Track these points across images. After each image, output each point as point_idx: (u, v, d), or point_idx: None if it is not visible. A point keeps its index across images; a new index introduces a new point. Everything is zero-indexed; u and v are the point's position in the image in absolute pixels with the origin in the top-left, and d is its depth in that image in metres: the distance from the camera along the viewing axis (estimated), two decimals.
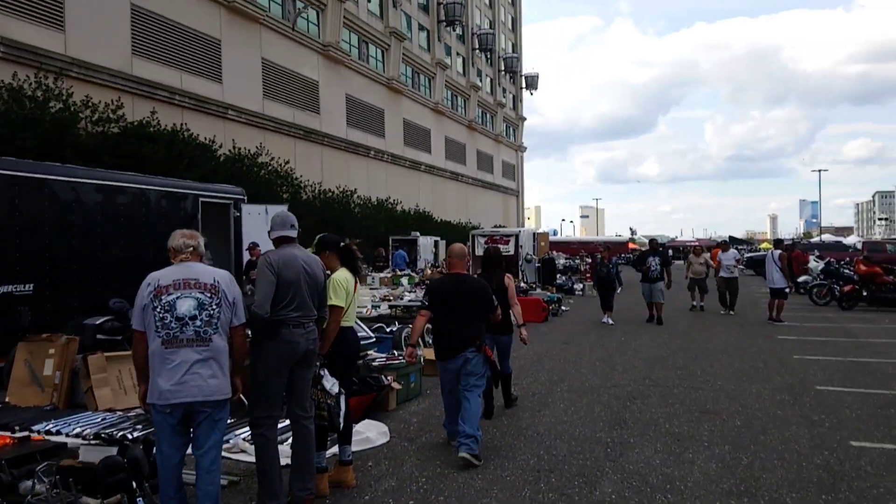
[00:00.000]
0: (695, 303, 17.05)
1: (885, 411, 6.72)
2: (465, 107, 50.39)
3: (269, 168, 24.54)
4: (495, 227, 37.33)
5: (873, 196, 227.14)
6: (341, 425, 4.67)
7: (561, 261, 36.19)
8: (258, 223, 12.07)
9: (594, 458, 5.37)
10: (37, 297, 7.98)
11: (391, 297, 11.49)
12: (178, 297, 3.65)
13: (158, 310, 3.63)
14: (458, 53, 49.30)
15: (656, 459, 5.32)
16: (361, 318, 9.39)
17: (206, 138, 21.73)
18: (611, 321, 14.26)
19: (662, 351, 10.68)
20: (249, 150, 23.83)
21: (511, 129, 63.25)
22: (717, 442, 5.73)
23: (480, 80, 53.72)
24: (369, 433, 5.61)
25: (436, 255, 29.70)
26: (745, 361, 9.65)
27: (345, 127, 33.08)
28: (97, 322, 7.66)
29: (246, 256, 11.88)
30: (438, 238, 31.00)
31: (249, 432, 4.67)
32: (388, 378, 6.82)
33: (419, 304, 10.80)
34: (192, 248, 3.83)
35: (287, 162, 26.02)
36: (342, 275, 4.77)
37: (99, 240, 8.98)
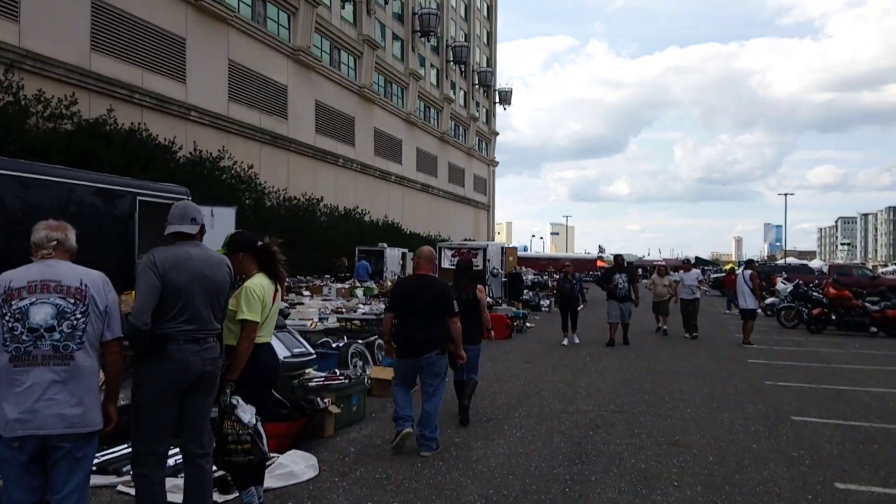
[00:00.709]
0: (659, 325, 16.02)
1: (868, 447, 6.19)
2: (437, 118, 49.94)
3: (232, 172, 23.74)
4: (464, 240, 36.82)
5: (836, 221, 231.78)
6: (268, 454, 4.02)
7: (529, 276, 35.87)
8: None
9: (550, 499, 4.73)
10: None
11: (344, 310, 10.73)
12: (31, 303, 2.94)
13: (7, 318, 2.91)
14: (432, 65, 48.90)
15: (620, 501, 4.70)
16: (304, 332, 8.68)
17: (166, 139, 20.91)
18: (577, 339, 13.59)
19: (628, 373, 10.12)
20: (211, 154, 23.01)
21: (483, 143, 63.01)
22: (688, 481, 5.12)
23: (454, 93, 53.39)
24: (294, 466, 4.85)
25: (403, 266, 28.96)
26: (715, 387, 9.12)
27: (313, 133, 32.33)
28: None
29: None
30: (406, 250, 30.32)
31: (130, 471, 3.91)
32: (325, 401, 6.08)
33: (373, 317, 10.19)
34: (55, 242, 3.12)
35: (251, 167, 25.20)
36: (258, 282, 4.05)
37: (6, 241, 8.03)
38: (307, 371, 6.52)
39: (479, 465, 5.44)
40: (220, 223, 11.29)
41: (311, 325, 9.10)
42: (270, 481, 4.50)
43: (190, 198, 11.74)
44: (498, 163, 66.89)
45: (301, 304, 10.96)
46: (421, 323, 5.69)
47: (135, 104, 21.60)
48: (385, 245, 28.26)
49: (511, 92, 62.49)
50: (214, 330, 3.63)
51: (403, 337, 5.80)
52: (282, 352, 6.14)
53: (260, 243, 4.24)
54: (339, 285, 16.23)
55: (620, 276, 13.61)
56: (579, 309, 14.49)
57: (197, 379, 3.53)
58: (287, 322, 8.74)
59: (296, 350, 6.39)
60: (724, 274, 34.63)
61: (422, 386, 5.83)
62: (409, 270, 29.91)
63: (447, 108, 50.92)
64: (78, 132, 17.74)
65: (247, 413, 3.78)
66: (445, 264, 21.71)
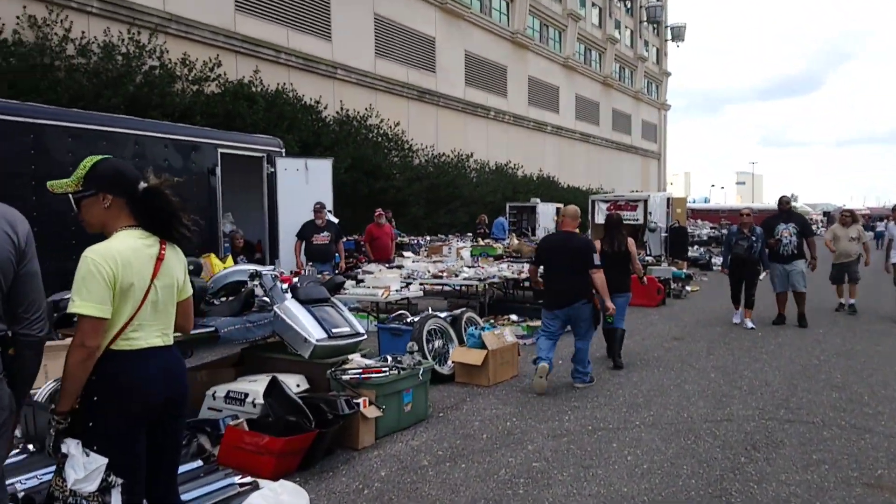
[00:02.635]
0: (842, 300, 11.64)
1: None
2: (600, 61, 46.68)
3: (379, 130, 23.26)
4: (631, 192, 34.14)
5: None
6: None
7: (705, 230, 32.57)
8: (297, 180, 10.39)
9: None
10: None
11: (445, 274, 9.38)
12: None
13: None
14: (593, 3, 45.57)
15: None
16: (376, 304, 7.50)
17: (311, 99, 20.75)
18: (750, 323, 10.01)
19: (811, 358, 8.00)
20: (358, 112, 22.63)
21: (653, 85, 58.38)
22: None
23: (619, 32, 49.58)
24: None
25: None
26: None
27: (463, 86, 31.13)
28: (55, 299, 6.25)
29: (288, 218, 10.11)
30: (561, 205, 28.49)
31: None
32: (359, 401, 4.71)
33: (474, 283, 8.87)
34: None
35: (397, 124, 24.62)
36: (112, 246, 2.47)
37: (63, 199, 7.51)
38: (350, 358, 5.24)
39: None
40: (314, 178, 10.45)
41: (384, 294, 7.69)
42: None
43: (283, 150, 11.08)
44: (670, 106, 61.83)
45: (400, 266, 9.79)
46: (565, 276, 6.37)
47: (281, 64, 21.57)
48: (538, 200, 26.69)
49: (684, 27, 57.12)
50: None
51: (549, 289, 6.54)
52: (316, 332, 4.99)
53: (144, 185, 2.60)
54: (462, 245, 14.97)
55: (786, 226, 10.16)
56: (761, 277, 10.30)
57: None
58: (352, 291, 7.63)
59: (335, 330, 5.16)
60: None
61: (575, 332, 6.58)
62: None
63: (611, 49, 47.44)
64: (223, 94, 17.90)
65: (79, 468, 2.34)
66: (599, 219, 19.81)
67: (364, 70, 25.06)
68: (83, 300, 2.38)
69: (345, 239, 13.04)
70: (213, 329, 4.76)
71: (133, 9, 16.99)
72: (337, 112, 22.26)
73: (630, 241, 7.65)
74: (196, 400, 5.14)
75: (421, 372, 5.24)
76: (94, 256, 2.43)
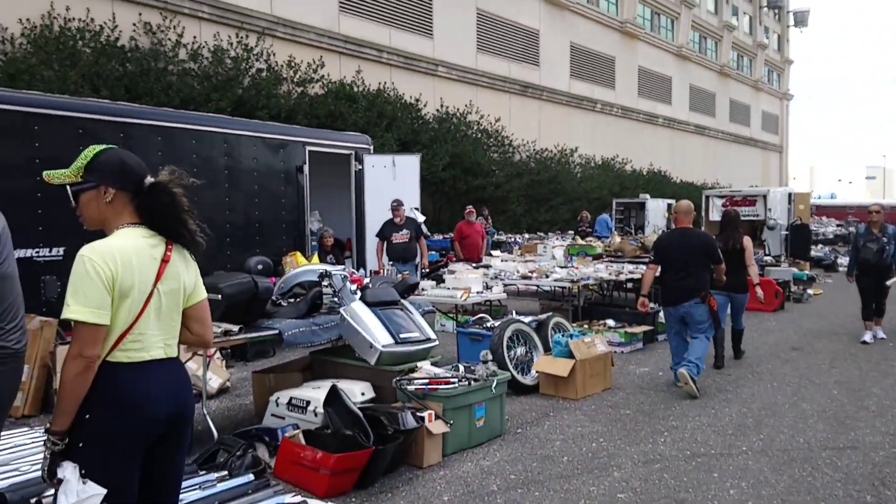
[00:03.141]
0: None
1: None
2: (716, 49, 44.21)
3: (479, 127, 22.98)
4: (751, 187, 32.06)
5: None
6: None
7: (830, 228, 30.18)
8: (384, 177, 10.19)
9: None
10: (68, 264, 6.73)
11: (533, 274, 8.81)
12: None
13: None
14: None
15: None
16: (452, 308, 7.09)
17: (411, 97, 20.76)
18: (881, 332, 8.84)
19: None
20: (458, 109, 22.44)
21: (774, 73, 54.75)
22: None
23: (736, 19, 46.79)
24: None
25: (669, 220, 25.97)
26: None
27: (567, 79, 30.26)
28: None
29: (375, 216, 9.94)
30: (672, 202, 27.13)
31: None
32: (423, 415, 4.30)
33: (565, 286, 8.29)
34: None
35: (498, 119, 24.23)
36: (112, 245, 2.21)
37: None
38: (419, 366, 4.81)
39: None
40: (402, 174, 10.21)
41: (463, 296, 7.12)
42: None
43: (371, 147, 10.91)
44: (793, 96, 57.84)
45: (487, 266, 9.31)
46: (682, 274, 6.28)
47: (382, 63, 21.69)
48: (647, 196, 25.51)
49: (808, 12, 53.08)
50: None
51: (667, 287, 6.47)
52: (383, 337, 4.67)
53: (151, 179, 2.35)
54: (558, 243, 14.35)
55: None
56: (888, 283, 8.65)
57: None
58: (430, 292, 7.26)
59: (404, 335, 4.82)
60: None
61: (689, 331, 6.40)
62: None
63: (727, 36, 44.84)
64: (326, 95, 18.19)
65: (72, 495, 2.09)
66: (714, 215, 18.59)
67: (465, 66, 24.82)
68: (79, 305, 2.11)
69: (430, 236, 12.79)
70: (276, 331, 4.57)
71: (242, 13, 17.50)
72: (437, 109, 22.16)
73: (746, 238, 7.51)
74: (262, 405, 5.00)
75: (494, 384, 4.81)
76: (91, 255, 2.15)
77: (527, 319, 6.76)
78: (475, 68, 25.30)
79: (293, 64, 17.71)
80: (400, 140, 18.88)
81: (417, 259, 9.69)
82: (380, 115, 18.82)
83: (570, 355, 6.05)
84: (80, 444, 2.16)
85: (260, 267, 5.54)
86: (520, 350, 6.37)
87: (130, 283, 2.20)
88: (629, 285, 10.59)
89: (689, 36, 40.38)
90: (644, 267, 7.54)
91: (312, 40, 19.45)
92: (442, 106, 22.29)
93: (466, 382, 4.62)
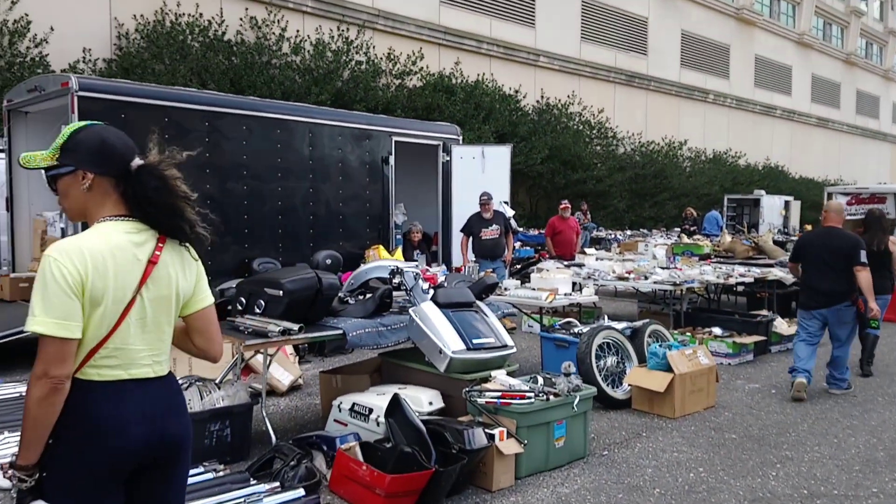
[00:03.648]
0: None
1: None
2: (842, 37, 40.88)
3: (581, 118, 22.15)
4: (880, 183, 29.43)
5: None
6: None
7: None
8: (472, 168, 9.71)
9: None
10: None
11: (631, 275, 8.04)
12: None
13: None
14: None
15: None
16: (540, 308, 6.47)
17: (511, 88, 20.26)
18: None
19: None
20: (559, 100, 21.70)
21: None
22: None
23: (865, 4, 43.10)
24: None
25: (786, 218, 24.19)
26: None
27: (678, 68, 28.72)
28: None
29: (462, 209, 9.45)
30: (791, 198, 25.28)
31: None
32: (492, 433, 3.83)
33: (667, 288, 7.54)
34: None
35: (602, 111, 23.29)
36: (84, 243, 1.84)
37: (235, 187, 7.37)
38: (493, 375, 4.29)
39: None
40: (491, 165, 9.71)
41: (548, 298, 6.26)
42: None
43: (460, 137, 10.42)
44: None
45: (580, 265, 8.59)
46: (827, 274, 6.01)
47: (482, 54, 21.27)
48: (762, 192, 23.85)
49: None
50: None
51: (808, 287, 6.23)
52: (454, 342, 4.22)
53: (139, 162, 1.96)
54: (661, 241, 13.41)
55: None
56: None
57: None
58: (512, 293, 6.61)
59: (477, 341, 4.33)
60: None
61: (831, 335, 6.15)
62: (794, 222, 24.91)
63: (855, 22, 41.35)
64: (423, 87, 18.00)
65: None
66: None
67: (567, 56, 23.98)
68: (44, 315, 1.76)
69: (518, 231, 12.21)
70: (340, 331, 4.25)
71: (344, 6, 17.54)
72: (537, 101, 21.52)
73: (892, 239, 7.25)
74: (328, 407, 4.70)
75: (576, 401, 4.25)
76: (57, 256, 1.79)
77: (620, 326, 6.13)
78: (578, 58, 24.41)
79: (392, 56, 17.63)
80: (497, 132, 18.44)
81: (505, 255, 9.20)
82: (477, 106, 18.46)
83: (669, 368, 5.37)
84: (44, 473, 1.83)
85: (329, 262, 5.26)
86: (610, 360, 5.73)
87: (103, 289, 1.83)
88: (740, 289, 9.69)
89: (812, 22, 37.51)
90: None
91: (412, 32, 19.27)
92: (542, 97, 21.64)
93: (544, 397, 4.11)
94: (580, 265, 8.50)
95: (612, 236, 17.56)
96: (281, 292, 4.07)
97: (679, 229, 18.49)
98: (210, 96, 7.84)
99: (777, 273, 9.37)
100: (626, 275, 7.92)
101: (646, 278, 7.82)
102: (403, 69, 17.76)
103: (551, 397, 4.14)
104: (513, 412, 4.03)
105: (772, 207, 23.52)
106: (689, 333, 7.38)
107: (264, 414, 4.52)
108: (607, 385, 5.56)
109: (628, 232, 18.82)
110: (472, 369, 4.35)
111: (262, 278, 4.53)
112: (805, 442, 4.94)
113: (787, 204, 24.42)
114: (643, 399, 5.50)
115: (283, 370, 5.77)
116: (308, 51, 15.80)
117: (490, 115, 18.70)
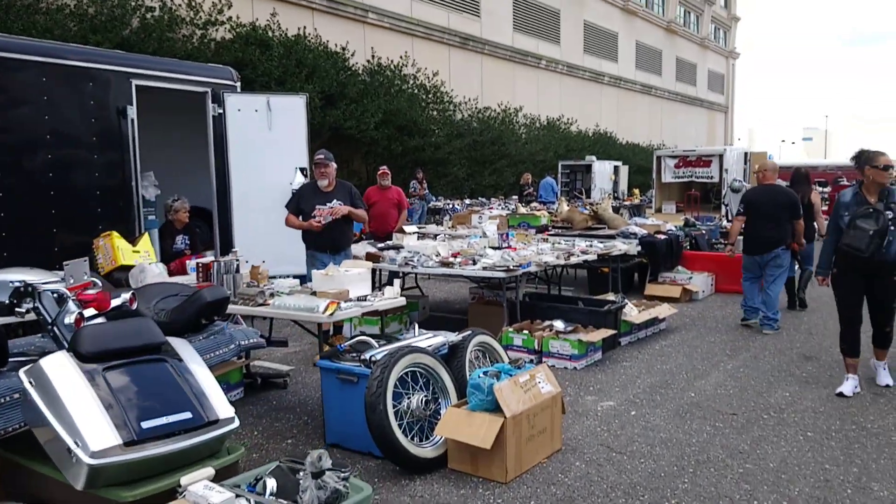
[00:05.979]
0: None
1: None
2: (663, 5, 42.57)
3: (416, 81, 20.71)
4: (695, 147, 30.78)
5: None
6: None
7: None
8: (255, 123, 7.60)
9: None
10: None
11: (457, 258, 6.44)
12: None
13: None
14: None
15: None
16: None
17: (337, 45, 18.34)
18: (889, 380, 5.42)
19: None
20: (392, 61, 20.11)
21: (721, 31, 53.63)
22: None
23: None
24: None
25: (615, 183, 24.41)
26: None
27: (511, 32, 28.11)
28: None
29: (245, 181, 7.51)
30: (619, 163, 25.62)
31: None
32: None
33: (500, 275, 6.28)
34: None
35: (436, 74, 22.02)
36: None
37: None
38: (181, 485, 2.51)
39: None
40: (281, 122, 7.69)
41: (328, 310, 4.34)
42: None
43: (237, 83, 7.80)
44: (739, 54, 57.00)
45: (398, 247, 6.90)
46: (770, 224, 7.15)
47: (303, 6, 19.22)
48: (594, 158, 23.94)
49: None
50: None
51: (754, 236, 7.31)
52: (99, 434, 2.43)
53: None
54: (497, 212, 12.47)
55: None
56: None
57: None
58: (276, 303, 4.63)
59: (150, 423, 2.51)
60: None
61: (765, 276, 7.34)
62: (623, 186, 25.25)
63: None
64: (233, 40, 15.73)
65: None
66: (668, 177, 17.07)
67: (398, 13, 22.44)
68: None
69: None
70: None
71: None
72: (367, 61, 19.82)
73: (815, 193, 8.64)
74: None
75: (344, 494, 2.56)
76: None
77: (433, 341, 4.37)
78: (410, 16, 22.96)
79: (193, 4, 15.13)
80: (323, 93, 16.62)
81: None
82: (299, 63, 16.49)
83: (496, 408, 3.83)
84: None
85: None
86: (416, 399, 3.95)
87: None
88: (584, 263, 8.67)
89: None
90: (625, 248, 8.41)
91: None
92: (373, 57, 19.96)
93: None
94: (397, 248, 6.98)
95: (451, 206, 16.44)
96: None
97: (517, 197, 17.76)
98: None
99: (621, 246, 8.55)
100: (452, 259, 6.45)
101: (474, 263, 6.41)
102: (208, 19, 15.34)
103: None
104: None
105: (602, 173, 23.64)
106: (526, 331, 6.19)
107: None
108: (411, 439, 3.88)
109: (468, 201, 17.81)
110: (140, 475, 2.60)
111: None
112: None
113: (616, 169, 24.70)
114: (463, 456, 3.88)
115: None
116: None
117: (314, 73, 16.78)
